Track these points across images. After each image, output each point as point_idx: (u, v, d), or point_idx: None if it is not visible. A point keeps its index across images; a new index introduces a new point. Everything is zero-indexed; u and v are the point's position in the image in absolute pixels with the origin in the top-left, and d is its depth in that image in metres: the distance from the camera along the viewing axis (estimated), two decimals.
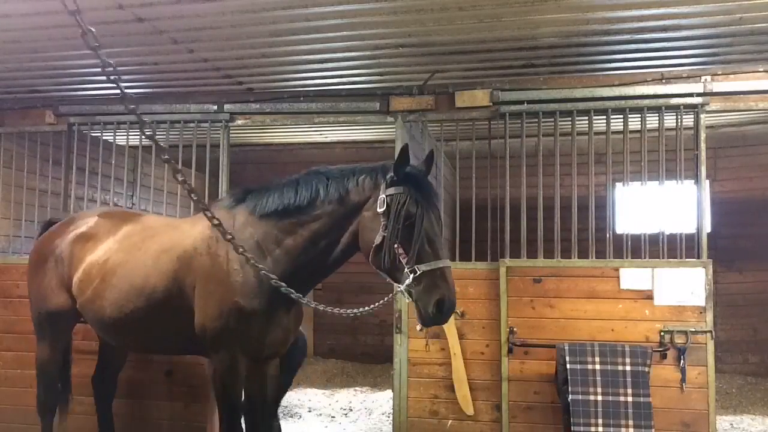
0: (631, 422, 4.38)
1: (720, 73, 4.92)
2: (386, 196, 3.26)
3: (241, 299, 3.49)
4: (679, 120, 4.91)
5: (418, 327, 3.39)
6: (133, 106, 3.16)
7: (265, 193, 3.67)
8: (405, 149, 3.28)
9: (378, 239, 3.25)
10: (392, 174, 3.29)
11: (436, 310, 3.11)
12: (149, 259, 3.83)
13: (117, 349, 4.66)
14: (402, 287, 3.16)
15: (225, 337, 3.55)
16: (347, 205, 3.45)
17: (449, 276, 3.17)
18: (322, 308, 3.59)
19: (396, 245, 3.17)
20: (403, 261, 3.15)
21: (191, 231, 3.81)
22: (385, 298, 3.53)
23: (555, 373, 4.66)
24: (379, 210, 3.26)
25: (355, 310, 3.55)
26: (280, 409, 6.89)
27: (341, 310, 3.57)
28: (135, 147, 6.33)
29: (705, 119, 4.94)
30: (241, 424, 3.77)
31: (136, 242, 4.00)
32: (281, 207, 3.56)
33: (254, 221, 3.62)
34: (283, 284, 3.40)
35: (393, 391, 5.17)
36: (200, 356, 4.67)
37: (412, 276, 3.11)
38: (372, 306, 3.55)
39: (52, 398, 4.53)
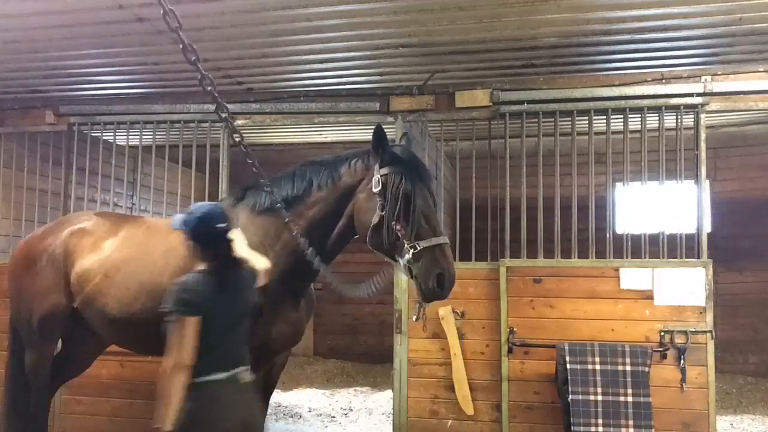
0: (631, 422, 4.38)
1: (720, 73, 4.93)
2: (381, 175, 3.30)
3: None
4: (679, 120, 4.92)
5: (414, 317, 3.40)
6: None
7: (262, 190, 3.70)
8: (378, 128, 3.34)
9: (375, 219, 3.28)
10: (384, 153, 3.32)
11: (437, 285, 3.14)
12: (157, 258, 3.81)
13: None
14: (402, 261, 3.19)
15: None
16: (341, 188, 3.50)
17: (448, 252, 3.22)
18: (335, 285, 3.55)
19: (394, 223, 3.20)
20: (402, 238, 3.19)
21: None
22: (384, 276, 3.54)
23: (555, 373, 4.66)
24: (375, 190, 3.30)
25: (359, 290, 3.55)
26: (280, 409, 6.93)
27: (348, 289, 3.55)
28: (135, 147, 6.33)
29: (705, 119, 4.95)
30: None
31: (140, 240, 3.98)
32: (278, 201, 3.60)
33: (254, 218, 3.65)
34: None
35: (393, 391, 5.17)
36: None
37: (411, 252, 3.14)
38: (374, 281, 3.55)
39: (45, 406, 4.30)
